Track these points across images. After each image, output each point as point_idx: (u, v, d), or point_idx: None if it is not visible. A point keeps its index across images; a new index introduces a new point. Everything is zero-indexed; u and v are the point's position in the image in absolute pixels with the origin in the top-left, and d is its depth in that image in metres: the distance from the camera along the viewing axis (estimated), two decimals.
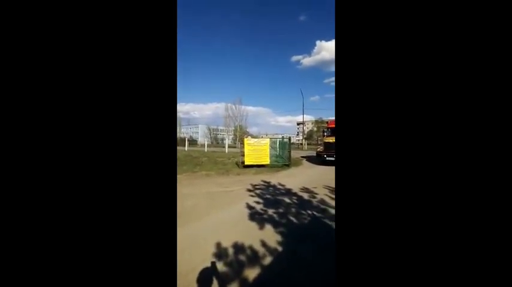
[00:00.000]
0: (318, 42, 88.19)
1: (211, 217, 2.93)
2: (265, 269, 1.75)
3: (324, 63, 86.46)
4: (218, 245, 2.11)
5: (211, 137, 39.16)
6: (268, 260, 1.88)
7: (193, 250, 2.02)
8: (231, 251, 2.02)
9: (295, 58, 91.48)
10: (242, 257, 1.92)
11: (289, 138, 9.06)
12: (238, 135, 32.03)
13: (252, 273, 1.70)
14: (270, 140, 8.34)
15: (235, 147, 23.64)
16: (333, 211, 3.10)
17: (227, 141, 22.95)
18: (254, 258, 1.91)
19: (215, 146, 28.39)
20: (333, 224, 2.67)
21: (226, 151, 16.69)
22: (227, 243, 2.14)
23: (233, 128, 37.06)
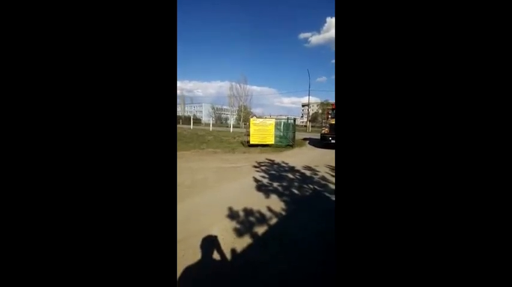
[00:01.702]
0: (328, 19, 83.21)
1: (222, 188, 3.27)
2: (271, 227, 2.08)
3: (333, 41, 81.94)
4: (230, 209, 2.44)
5: (215, 117, 39.17)
6: (273, 221, 2.21)
7: (209, 213, 2.36)
8: (241, 214, 2.34)
9: (303, 35, 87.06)
10: (252, 219, 2.25)
11: (294, 120, 9.19)
12: (242, 116, 32.04)
13: (260, 229, 2.03)
14: (275, 121, 8.50)
15: (239, 127, 23.83)
16: (332, 186, 3.40)
17: (231, 121, 23.09)
18: (262, 219, 2.23)
19: (219, 126, 28.60)
20: (331, 196, 2.97)
21: (231, 131, 16.97)
22: (238, 208, 2.47)
23: (237, 108, 36.92)
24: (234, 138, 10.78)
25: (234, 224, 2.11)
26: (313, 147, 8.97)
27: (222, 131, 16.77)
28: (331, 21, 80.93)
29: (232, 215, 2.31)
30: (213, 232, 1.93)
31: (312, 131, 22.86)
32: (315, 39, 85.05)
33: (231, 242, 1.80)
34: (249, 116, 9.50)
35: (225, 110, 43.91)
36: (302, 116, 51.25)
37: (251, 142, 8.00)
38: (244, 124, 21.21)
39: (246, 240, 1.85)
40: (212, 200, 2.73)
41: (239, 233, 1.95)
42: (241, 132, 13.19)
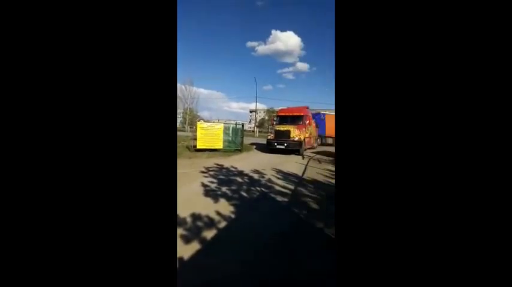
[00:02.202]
0: (273, 31, 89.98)
1: None
2: (220, 231, 2.08)
3: (278, 53, 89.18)
4: (177, 216, 2.31)
5: None
6: (222, 224, 2.22)
7: None
8: (189, 219, 2.25)
9: (250, 44, 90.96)
10: (200, 224, 2.19)
11: (242, 125, 9.44)
12: (187, 119, 30.46)
13: (209, 234, 2.00)
14: (224, 126, 8.50)
15: (184, 130, 22.56)
16: (277, 187, 3.67)
17: (187, 126, 21.61)
18: (211, 224, 2.21)
19: None
20: (276, 197, 3.21)
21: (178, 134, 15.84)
22: (185, 214, 2.36)
23: (182, 111, 34.89)
24: (179, 142, 10.15)
25: (180, 231, 2.01)
26: (260, 152, 9.35)
27: None
28: (275, 33, 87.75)
29: (179, 222, 2.19)
30: None
31: (259, 136, 23.87)
32: (262, 49, 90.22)
33: (178, 251, 1.71)
34: (196, 120, 9.17)
35: None
36: (250, 121, 52.91)
37: (198, 147, 7.72)
38: (190, 128, 20.21)
39: (195, 246, 1.79)
40: None
41: (187, 239, 1.87)
42: (187, 136, 12.53)
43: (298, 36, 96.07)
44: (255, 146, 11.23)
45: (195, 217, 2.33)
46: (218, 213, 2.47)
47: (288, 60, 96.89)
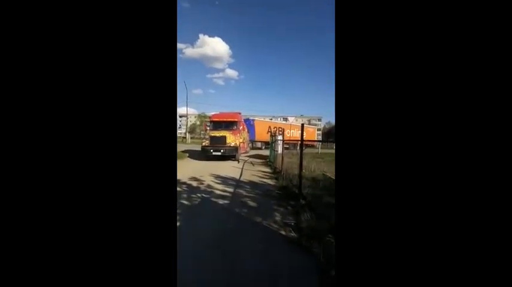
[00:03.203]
0: (201, 36, 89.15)
1: None
2: None
3: (207, 58, 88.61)
4: None
5: None
6: None
7: None
8: None
9: (177, 45, 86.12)
10: None
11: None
12: None
13: None
14: None
15: None
16: (217, 192, 3.84)
17: None
18: None
19: None
20: (217, 200, 3.38)
21: None
22: None
23: None
24: None
25: None
26: (195, 159, 9.07)
27: None
28: (203, 38, 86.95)
29: None
30: None
31: (191, 143, 22.87)
32: (189, 51, 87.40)
33: None
34: None
35: None
36: (180, 127, 49.68)
37: None
38: None
39: None
40: None
41: None
42: None
43: (226, 43, 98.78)
44: (187, 154, 10.76)
45: None
46: None
47: (218, 65, 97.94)
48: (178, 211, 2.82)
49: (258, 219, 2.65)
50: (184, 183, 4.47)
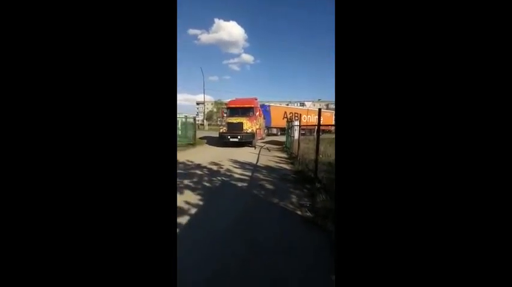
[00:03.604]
0: (216, 20, 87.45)
1: None
2: (192, 217, 2.32)
3: (222, 43, 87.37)
4: None
5: None
6: (193, 211, 2.45)
7: None
8: None
9: (192, 31, 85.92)
10: None
11: (194, 119, 9.27)
12: None
13: (183, 220, 2.21)
14: None
15: None
16: (236, 175, 4.04)
17: None
18: (181, 212, 2.40)
19: None
20: (237, 183, 3.58)
21: None
22: None
23: None
24: None
25: None
26: (212, 146, 9.33)
27: None
28: (218, 22, 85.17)
29: None
30: None
31: (208, 130, 23.47)
32: (205, 37, 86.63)
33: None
34: None
35: None
36: (197, 114, 50.82)
37: None
38: None
39: None
40: None
41: None
42: None
43: (242, 27, 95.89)
44: (205, 140, 11.08)
45: None
46: (187, 203, 2.66)
47: (233, 51, 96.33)
48: (201, 192, 3.07)
49: (275, 200, 2.80)
50: (205, 167, 4.74)
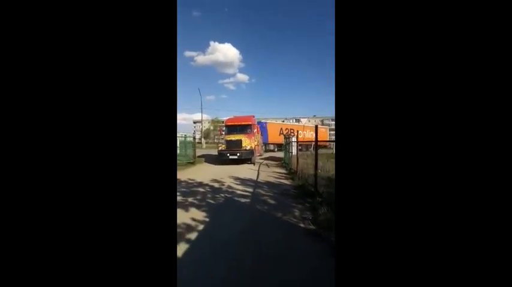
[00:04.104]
0: (211, 43, 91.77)
1: None
2: (200, 232, 2.41)
3: (218, 64, 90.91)
4: None
5: None
6: (200, 227, 2.54)
7: None
8: None
9: (188, 54, 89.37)
10: (179, 230, 2.44)
11: (194, 138, 9.47)
12: None
13: (192, 236, 2.30)
14: None
15: None
16: (238, 192, 4.15)
17: None
18: (189, 228, 2.49)
19: None
20: (239, 199, 3.69)
21: None
22: None
23: None
24: None
25: None
26: (211, 164, 9.39)
27: None
28: (214, 44, 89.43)
29: None
30: None
31: (206, 148, 23.60)
32: (201, 59, 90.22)
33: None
34: None
35: None
36: (194, 133, 51.06)
37: None
38: None
39: (183, 247, 2.08)
40: None
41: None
42: None
43: (236, 48, 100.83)
44: (204, 159, 11.13)
45: None
46: (193, 219, 2.75)
47: (229, 71, 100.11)
48: (205, 209, 3.17)
49: (279, 214, 2.91)
50: (207, 185, 4.83)
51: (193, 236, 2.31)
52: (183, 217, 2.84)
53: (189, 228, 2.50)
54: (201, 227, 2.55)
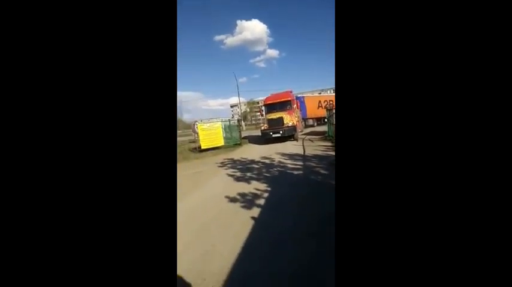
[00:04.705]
0: (238, 22, 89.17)
1: (206, 186, 3.71)
2: (267, 199, 2.83)
3: (247, 42, 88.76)
4: (227, 197, 3.01)
5: None
6: (265, 194, 2.97)
7: (211, 204, 2.86)
8: (238, 197, 2.96)
9: (218, 38, 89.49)
10: (249, 198, 2.92)
11: (238, 121, 10.04)
12: None
13: (260, 201, 2.74)
14: (222, 124, 9.07)
15: None
16: (290, 165, 4.46)
17: None
18: (257, 196, 2.94)
19: None
20: (293, 172, 4.00)
21: None
22: (233, 194, 3.07)
23: None
24: (179, 147, 10.53)
25: (238, 205, 2.73)
26: (255, 144, 9.83)
27: None
28: (241, 23, 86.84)
29: (232, 199, 2.90)
30: (224, 219, 2.50)
31: (246, 130, 24.49)
32: (230, 41, 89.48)
33: (248, 214, 2.45)
34: (193, 124, 9.56)
35: None
36: (233, 117, 52.86)
37: (202, 147, 8.26)
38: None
39: (255, 210, 2.53)
40: (207, 195, 3.20)
41: (248, 207, 2.61)
42: (182, 141, 12.85)
43: (264, 23, 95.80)
44: (247, 140, 11.61)
45: (241, 195, 3.05)
46: (257, 189, 3.20)
47: (258, 48, 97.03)
48: (264, 181, 3.59)
49: (333, 182, 3.11)
50: (259, 161, 5.29)
51: (261, 201, 2.74)
52: (248, 188, 3.32)
53: (256, 196, 2.95)
54: (265, 195, 2.97)
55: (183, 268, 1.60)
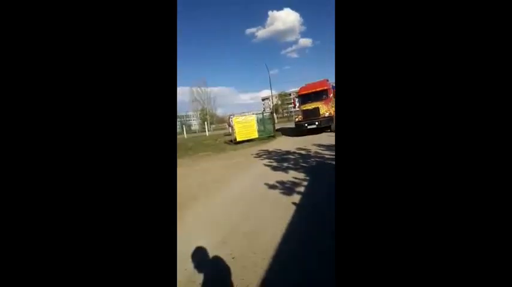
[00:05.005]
0: (270, 13, 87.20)
1: (247, 174, 3.91)
2: (306, 187, 2.86)
3: (279, 33, 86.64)
4: (266, 184, 3.13)
5: (181, 124, 38.17)
6: (304, 183, 2.99)
7: (256, 188, 3.02)
8: (277, 185, 3.06)
9: (249, 31, 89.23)
10: (288, 185, 2.98)
11: (272, 113, 10.11)
12: (208, 119, 31.94)
13: (300, 189, 2.79)
14: (256, 116, 9.27)
15: (204, 131, 23.72)
16: (327, 156, 4.36)
17: (197, 127, 22.78)
18: (295, 184, 2.99)
19: (187, 133, 28.01)
20: (331, 162, 3.91)
21: (207, 134, 17.13)
22: (272, 182, 3.18)
23: (199, 112, 36.59)
24: (216, 140, 11.14)
25: (277, 191, 2.83)
26: (289, 136, 9.78)
27: (196, 137, 16.77)
28: (272, 14, 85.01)
29: (271, 186, 3.01)
30: (270, 200, 2.62)
31: (278, 122, 24.38)
32: (261, 33, 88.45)
33: (287, 198, 2.53)
34: (227, 117, 10.01)
35: (186, 116, 42.85)
36: (264, 110, 53.01)
37: (238, 139, 8.60)
38: (207, 126, 21.62)
39: (295, 197, 2.59)
40: (248, 182, 3.39)
41: (287, 193, 2.69)
42: (218, 134, 13.53)
43: (296, 11, 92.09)
44: (280, 132, 11.62)
45: (280, 183, 3.13)
46: (295, 178, 3.25)
47: (290, 38, 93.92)
48: (302, 171, 3.60)
49: None
50: (294, 152, 5.29)
51: (302, 189, 2.79)
52: (286, 177, 3.39)
53: (295, 184, 3.00)
54: (305, 183, 3.00)
55: (235, 244, 1.78)
